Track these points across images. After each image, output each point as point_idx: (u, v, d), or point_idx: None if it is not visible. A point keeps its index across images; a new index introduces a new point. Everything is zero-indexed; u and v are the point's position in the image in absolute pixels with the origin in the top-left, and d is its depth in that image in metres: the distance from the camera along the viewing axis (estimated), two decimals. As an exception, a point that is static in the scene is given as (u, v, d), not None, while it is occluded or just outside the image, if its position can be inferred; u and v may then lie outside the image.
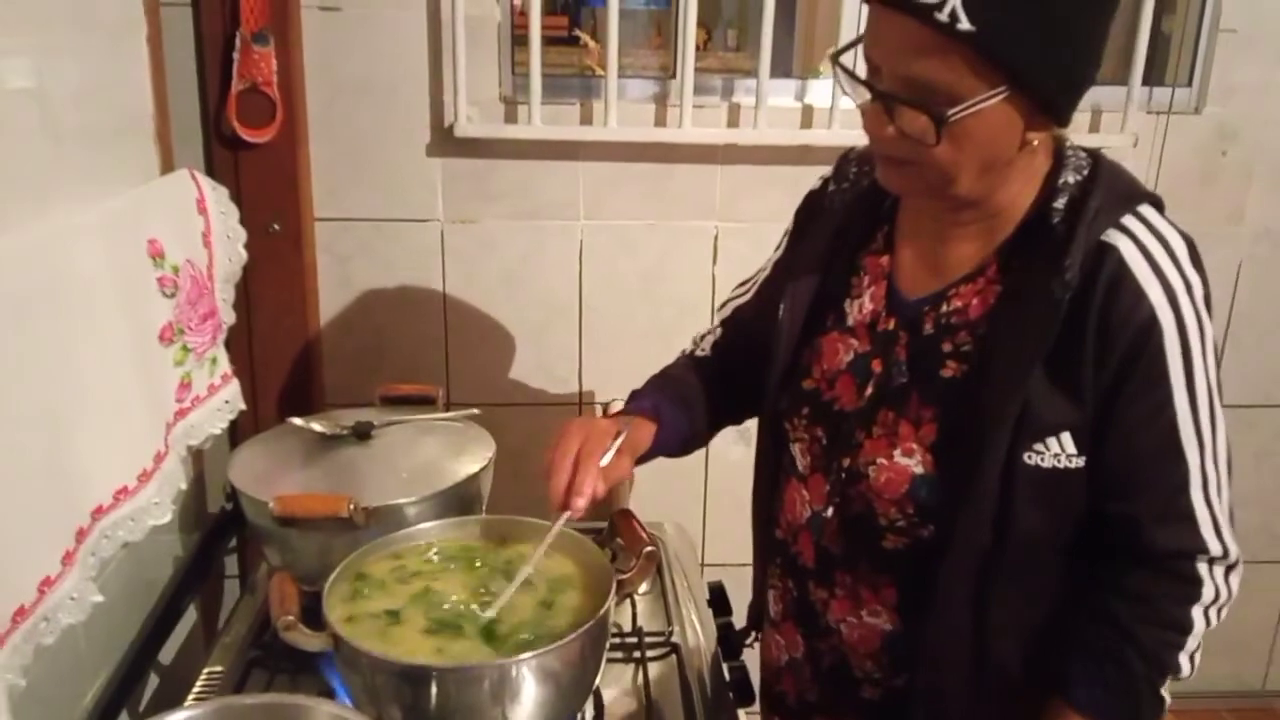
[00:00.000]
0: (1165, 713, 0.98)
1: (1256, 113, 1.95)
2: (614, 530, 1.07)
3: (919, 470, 0.96)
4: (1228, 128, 1.95)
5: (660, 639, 1.17)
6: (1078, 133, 1.89)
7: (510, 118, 1.81)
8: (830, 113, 1.85)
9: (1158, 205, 0.94)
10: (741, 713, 1.13)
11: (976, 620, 0.97)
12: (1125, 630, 0.94)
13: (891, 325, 1.01)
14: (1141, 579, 0.94)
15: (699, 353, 1.22)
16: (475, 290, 1.91)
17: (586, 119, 1.83)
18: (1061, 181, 0.93)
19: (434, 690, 0.87)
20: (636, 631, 1.18)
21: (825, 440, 1.04)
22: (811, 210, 1.14)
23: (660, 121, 1.85)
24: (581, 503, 0.96)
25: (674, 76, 1.83)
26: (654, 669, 1.13)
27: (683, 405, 1.15)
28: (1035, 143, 0.90)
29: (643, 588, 1.27)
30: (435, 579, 1.02)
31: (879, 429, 0.99)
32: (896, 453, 0.97)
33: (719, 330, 1.23)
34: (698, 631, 1.22)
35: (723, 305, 1.24)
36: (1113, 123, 1.89)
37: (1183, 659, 0.96)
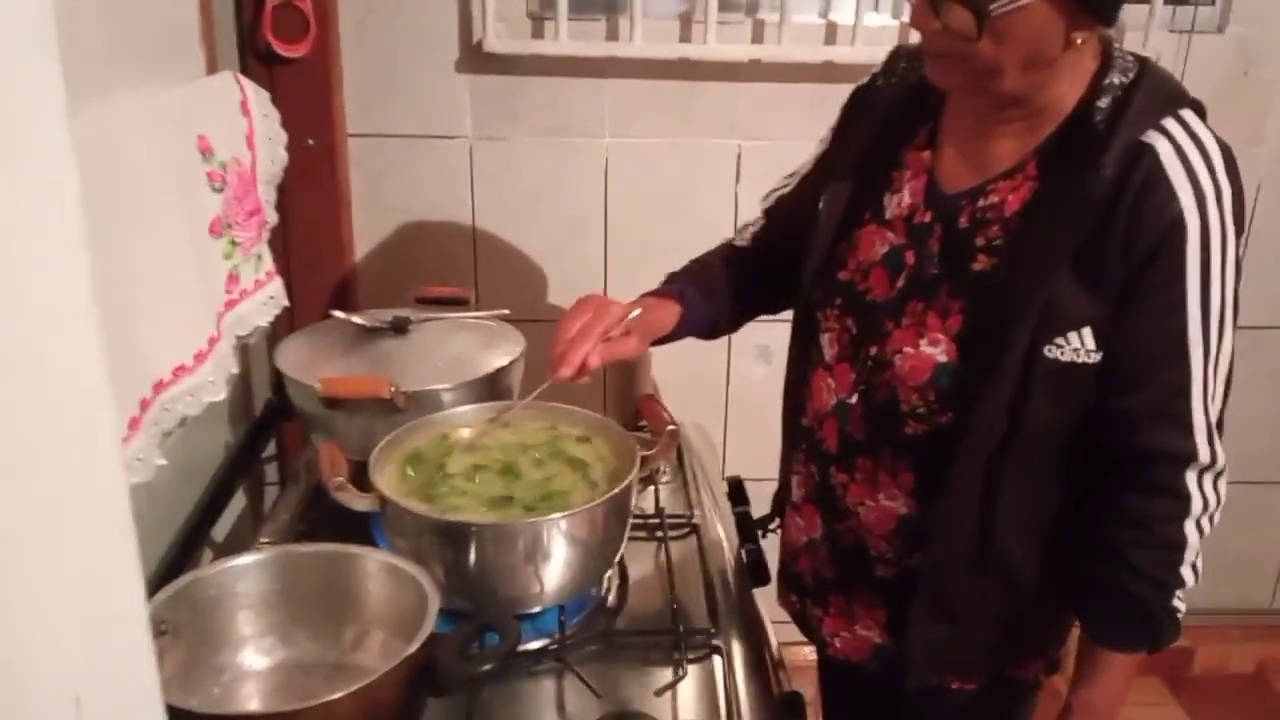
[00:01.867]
0: (1181, 622, 1.03)
1: (1276, 32, 1.95)
2: (639, 413, 1.14)
3: (943, 359, 1.00)
4: (1251, 48, 1.95)
5: (681, 520, 1.24)
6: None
7: (537, 33, 1.84)
8: (854, 29, 1.87)
9: (1200, 111, 0.96)
10: (757, 593, 1.20)
11: (985, 506, 1.03)
12: (1126, 561, 0.99)
13: (928, 218, 1.04)
14: (1135, 501, 0.99)
15: (739, 242, 1.26)
16: (503, 206, 1.95)
17: (612, 35, 1.86)
18: (1106, 82, 0.95)
19: (473, 546, 0.94)
20: (659, 513, 1.24)
21: (855, 330, 1.08)
22: (859, 105, 1.17)
23: (685, 38, 1.87)
24: (565, 371, 1.02)
25: (701, -7, 1.85)
26: (675, 548, 1.20)
27: (709, 294, 1.20)
28: (1080, 42, 0.92)
29: (666, 476, 1.34)
30: (473, 454, 1.09)
31: (907, 319, 1.03)
32: (923, 342, 1.01)
33: (761, 220, 1.26)
34: (717, 518, 1.28)
35: (767, 195, 1.28)
36: (1135, 42, 1.89)
37: (1185, 572, 1.01)
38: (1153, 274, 0.93)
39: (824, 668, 1.37)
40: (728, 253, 1.26)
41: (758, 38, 1.89)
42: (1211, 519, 1.02)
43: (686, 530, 1.23)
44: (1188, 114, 0.95)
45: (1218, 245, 0.93)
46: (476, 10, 1.81)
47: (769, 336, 1.74)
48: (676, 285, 1.19)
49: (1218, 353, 0.96)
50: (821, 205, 1.12)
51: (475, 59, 1.85)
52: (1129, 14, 1.88)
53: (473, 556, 0.95)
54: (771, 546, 1.29)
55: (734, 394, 2.11)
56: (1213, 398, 0.98)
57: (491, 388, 1.24)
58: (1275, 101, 1.99)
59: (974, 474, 1.01)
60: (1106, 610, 1.04)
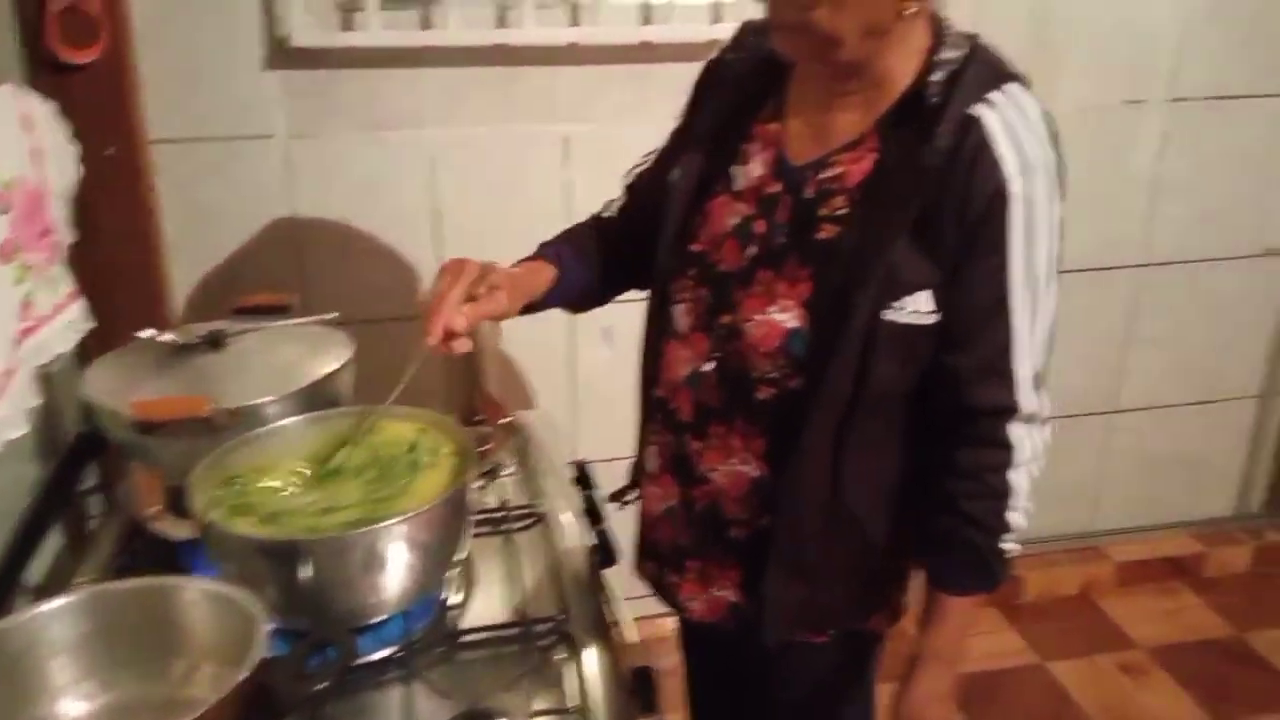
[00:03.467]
0: (1012, 563, 1.10)
1: (1061, -3, 2.07)
2: (475, 409, 1.13)
3: (793, 325, 1.03)
4: (1040, 9, 2.07)
5: (526, 511, 1.24)
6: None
7: (347, 25, 1.79)
8: (670, 8, 1.89)
9: (1025, 84, 1.01)
10: (616, 570, 1.21)
11: (834, 466, 1.07)
12: (962, 511, 1.06)
13: (776, 190, 1.07)
14: (965, 454, 1.05)
15: (605, 214, 1.28)
16: (326, 206, 1.90)
17: (426, 23, 1.82)
18: (939, 58, 1.00)
19: (301, 563, 0.92)
20: (503, 506, 1.24)
21: (709, 300, 1.11)
22: (709, 80, 1.20)
23: (502, 23, 1.86)
24: (430, 340, 1.00)
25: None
26: (521, 539, 1.20)
27: (583, 257, 1.22)
28: (909, 14, 0.97)
29: (509, 468, 1.34)
30: (299, 465, 1.06)
31: (758, 287, 1.06)
32: (773, 309, 1.05)
33: (624, 196, 1.28)
34: (563, 505, 1.29)
35: (628, 172, 1.30)
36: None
37: (1014, 517, 1.08)
38: (981, 239, 0.98)
39: (685, 634, 1.41)
40: (596, 223, 1.28)
41: (574, 20, 1.89)
42: (1038, 465, 1.08)
43: (532, 521, 1.23)
44: (1014, 87, 1.00)
45: (1044, 210, 0.98)
46: (281, 3, 1.74)
47: (612, 318, 1.76)
48: (551, 248, 1.21)
49: (1041, 311, 1.03)
50: (674, 178, 1.15)
51: (284, 55, 1.78)
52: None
53: (303, 573, 0.92)
54: (628, 520, 1.31)
55: (582, 377, 2.12)
56: (1035, 353, 1.04)
57: (320, 396, 1.20)
58: (1066, 61, 2.12)
59: (823, 435, 1.06)
60: (946, 558, 1.10)
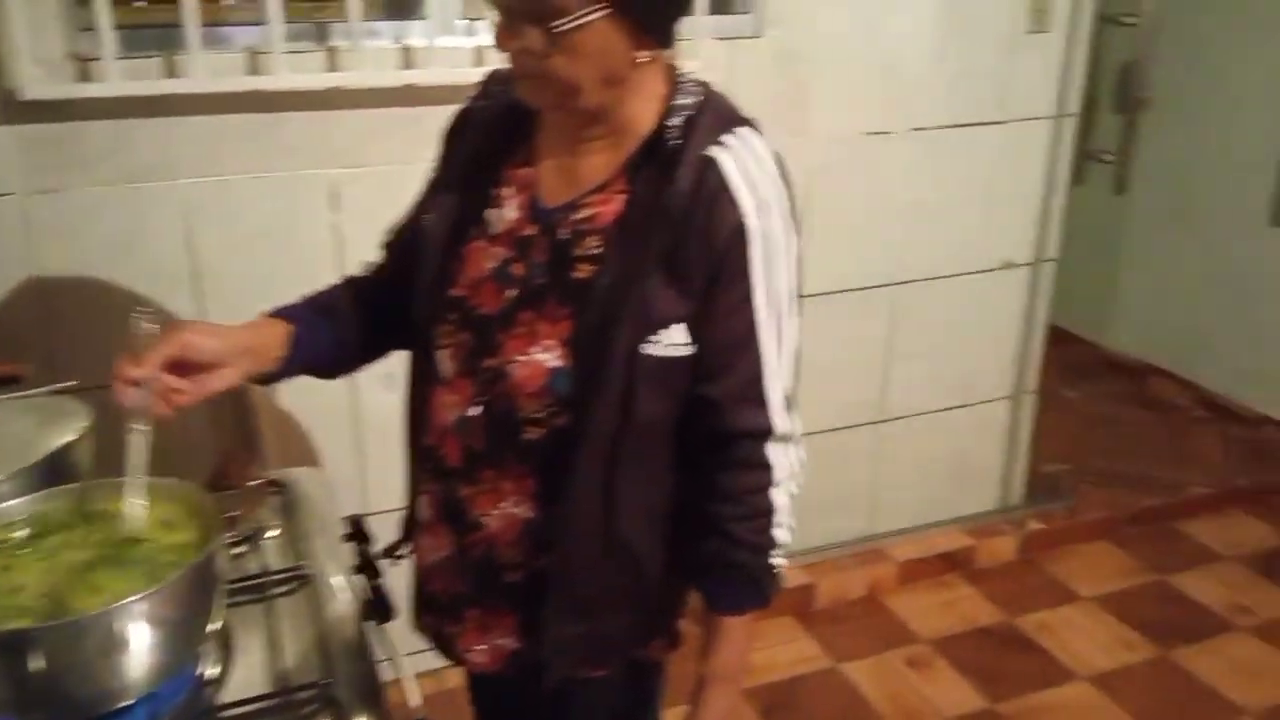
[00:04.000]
0: (781, 577, 1.15)
1: (808, 36, 2.21)
2: (224, 471, 1.09)
3: (555, 364, 1.06)
4: (786, 50, 2.21)
5: (290, 575, 1.20)
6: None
7: (85, 75, 1.70)
8: (430, 52, 1.90)
9: (755, 127, 1.09)
10: (397, 625, 1.20)
11: (605, 500, 1.10)
12: (729, 533, 1.10)
13: (532, 232, 1.10)
14: (728, 478, 1.10)
15: (360, 273, 1.26)
16: (71, 266, 1.79)
17: (171, 71, 1.76)
18: (676, 104, 1.06)
19: (28, 654, 0.86)
20: (264, 572, 1.20)
21: (471, 344, 1.12)
22: (458, 127, 1.21)
23: (254, 69, 1.81)
24: (123, 400, 0.98)
25: (265, 22, 1.79)
26: (285, 604, 1.16)
27: (329, 316, 1.19)
28: (644, 61, 1.02)
29: (273, 530, 1.30)
30: (20, 548, 0.99)
31: (520, 328, 1.08)
32: (535, 349, 1.07)
33: (381, 252, 1.27)
34: (332, 563, 1.26)
35: (386, 232, 1.28)
36: (688, 49, 2.08)
37: (779, 534, 1.13)
38: (726, 274, 1.04)
39: (470, 685, 1.40)
40: (351, 282, 1.26)
41: (333, 65, 1.87)
42: (795, 483, 1.14)
43: (296, 584, 1.20)
44: (745, 130, 1.07)
45: (780, 244, 1.05)
46: (6, 56, 1.64)
47: (393, 364, 1.74)
48: (285, 308, 1.17)
49: (787, 339, 1.09)
50: (427, 225, 1.16)
51: (14, 108, 1.67)
52: (684, 24, 2.06)
53: (32, 665, 0.86)
54: (404, 573, 1.29)
55: (368, 426, 2.08)
56: (784, 377, 1.10)
57: (54, 471, 1.13)
58: (812, 95, 2.26)
59: (593, 470, 1.08)
60: (718, 581, 1.14)
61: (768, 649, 2.43)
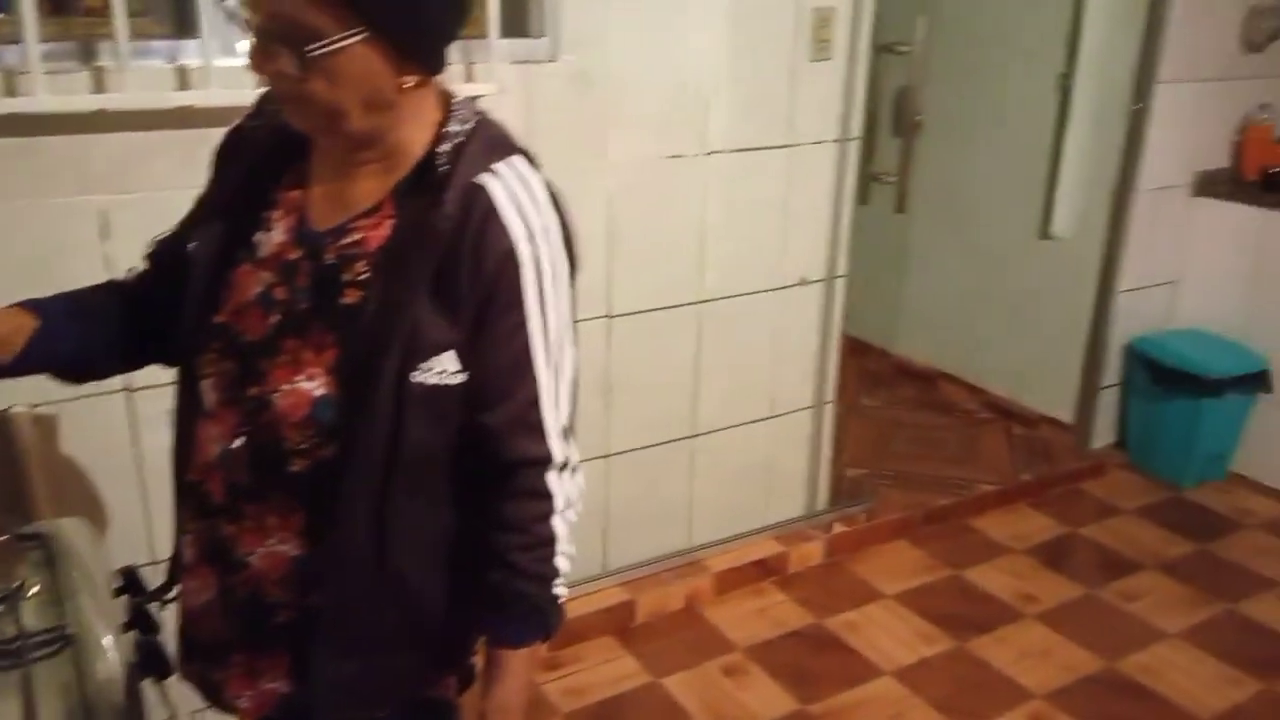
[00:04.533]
0: (564, 606, 1.15)
1: (605, 61, 2.24)
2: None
3: (320, 392, 1.02)
4: (583, 74, 2.23)
5: (50, 636, 1.11)
6: (453, 84, 2.04)
7: None
8: (206, 73, 1.81)
9: (528, 157, 1.08)
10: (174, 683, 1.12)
11: (378, 534, 1.06)
12: (511, 564, 1.09)
13: (298, 256, 1.06)
14: (508, 507, 1.09)
15: (123, 278, 1.20)
16: None
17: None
18: (447, 130, 1.05)
19: None
20: (20, 634, 1.10)
21: (235, 373, 1.07)
22: (230, 148, 1.17)
23: (10, 91, 1.68)
24: None
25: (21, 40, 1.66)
26: (44, 670, 1.07)
27: (84, 315, 1.12)
28: (410, 85, 1.00)
29: (33, 589, 1.19)
30: None
31: (284, 356, 1.04)
32: (300, 378, 1.03)
33: (145, 264, 1.21)
34: (100, 620, 1.16)
35: (151, 241, 1.22)
36: (484, 73, 2.07)
37: (560, 563, 1.13)
38: (497, 302, 1.03)
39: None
40: (110, 283, 1.20)
41: (100, 86, 1.75)
42: (575, 509, 1.14)
43: (58, 646, 1.10)
44: (517, 159, 1.06)
45: (550, 273, 1.05)
46: None
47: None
48: (37, 300, 1.10)
49: (562, 365, 1.09)
50: (194, 249, 1.11)
51: None
52: (478, 49, 2.05)
53: None
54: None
55: (150, 468, 1.95)
56: (562, 404, 1.10)
57: None
58: (611, 119, 2.29)
59: (362, 503, 1.05)
60: (502, 614, 1.13)
61: (587, 670, 2.43)
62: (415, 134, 1.05)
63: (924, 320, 4.07)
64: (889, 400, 3.96)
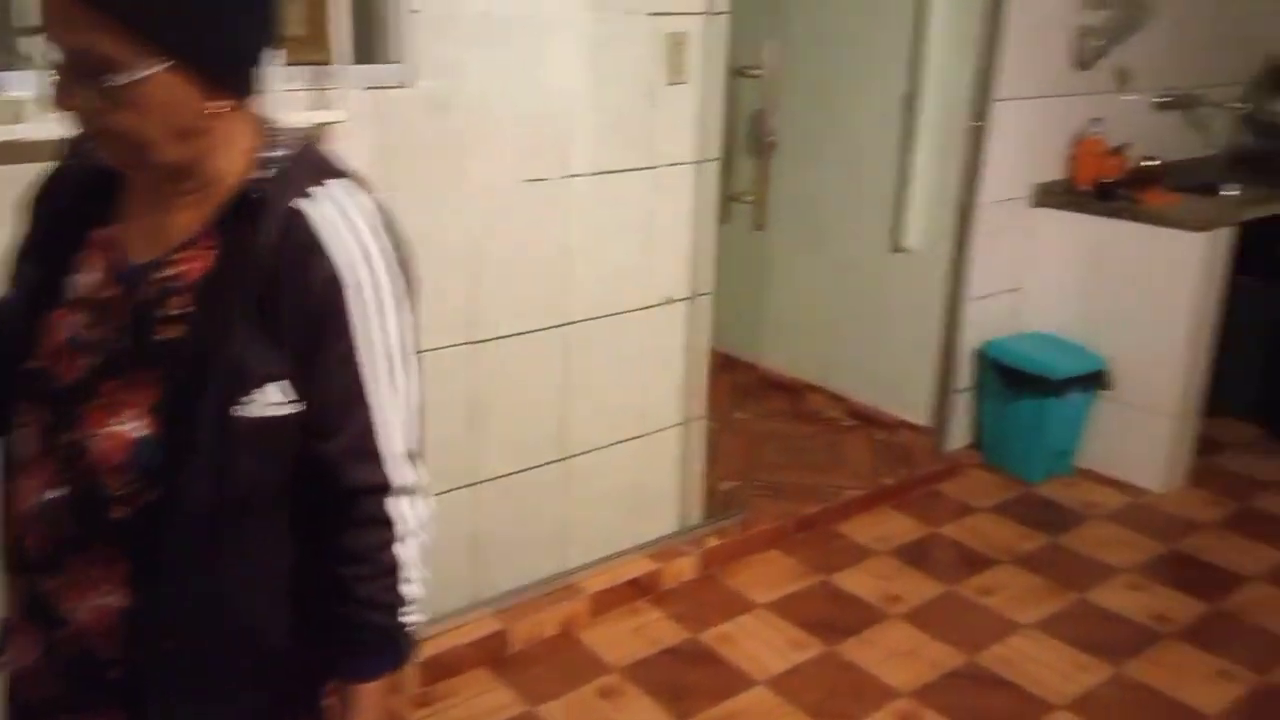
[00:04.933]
0: (414, 635, 1.13)
1: (461, 86, 2.23)
2: None
3: (140, 434, 0.99)
4: (439, 99, 2.21)
5: None
6: (300, 112, 1.99)
7: None
8: (31, 105, 1.72)
9: (352, 179, 1.06)
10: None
11: (211, 577, 1.03)
12: (358, 596, 1.07)
13: (113, 294, 1.02)
14: (351, 537, 1.07)
15: None
16: None
17: None
18: (267, 156, 1.03)
19: None
20: None
21: (49, 421, 1.02)
22: (46, 189, 1.12)
23: None
24: None
25: None
26: None
27: None
28: (221, 112, 0.97)
29: None
30: None
31: (101, 399, 1.00)
32: (118, 420, 0.99)
33: None
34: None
35: None
36: (335, 100, 2.02)
37: (409, 590, 1.11)
38: (326, 328, 1.01)
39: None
40: None
41: (-88, 119, 1.64)
42: (423, 533, 1.12)
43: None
44: (340, 183, 1.04)
45: (379, 297, 1.03)
46: None
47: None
48: None
49: (401, 389, 1.07)
50: (10, 295, 1.07)
51: None
52: (328, 75, 2.01)
53: None
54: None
55: None
56: (403, 429, 1.08)
57: None
58: (469, 144, 2.28)
59: (193, 546, 1.01)
60: (352, 647, 1.10)
61: (460, 704, 2.39)
62: (232, 162, 1.03)
63: (788, 333, 4.17)
64: (759, 412, 4.04)
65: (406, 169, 2.19)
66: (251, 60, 1.01)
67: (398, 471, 1.08)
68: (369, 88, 2.09)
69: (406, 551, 1.10)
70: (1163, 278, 3.37)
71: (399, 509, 1.09)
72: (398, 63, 2.15)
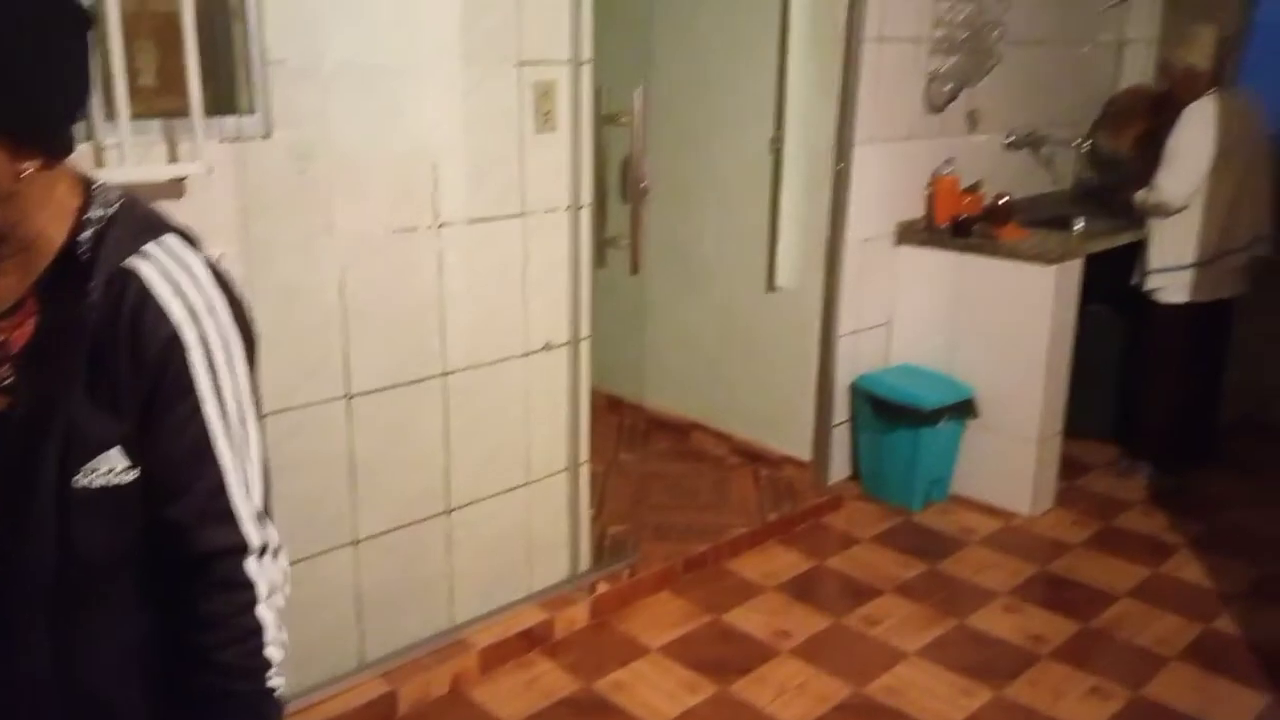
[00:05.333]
0: (281, 697, 1.08)
1: (323, 135, 2.19)
2: None
3: None
4: (301, 150, 2.16)
5: None
6: (154, 165, 1.93)
7: None
8: None
9: (183, 235, 1.03)
10: None
11: (58, 649, 0.99)
12: (218, 664, 1.02)
13: None
14: (207, 603, 1.02)
15: None
16: None
17: None
18: (87, 216, 0.99)
19: None
20: None
21: None
22: None
23: None
24: None
25: None
26: None
27: None
28: (31, 172, 0.93)
29: None
30: None
31: None
32: None
33: None
34: None
35: None
36: (191, 153, 1.96)
37: (271, 653, 1.06)
38: (165, 388, 0.98)
39: None
40: None
41: None
42: (282, 594, 1.09)
43: None
44: (170, 238, 1.02)
45: (221, 353, 1.01)
46: None
47: None
48: None
49: (247, 447, 1.05)
50: None
51: None
52: (180, 128, 1.94)
53: None
54: None
55: None
56: (253, 487, 1.05)
57: None
58: (334, 194, 2.23)
59: (35, 620, 0.97)
60: (216, 716, 1.05)
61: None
62: (51, 223, 0.99)
63: (672, 373, 4.21)
64: (646, 454, 4.05)
65: (272, 221, 2.13)
66: (61, 119, 0.97)
67: (252, 531, 1.05)
68: (227, 140, 2.04)
69: (266, 614, 1.06)
70: (1020, 309, 3.54)
71: (255, 570, 1.05)
72: (254, 113, 2.10)
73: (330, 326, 2.29)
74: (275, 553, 1.08)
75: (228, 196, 2.02)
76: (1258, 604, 3.11)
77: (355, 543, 2.46)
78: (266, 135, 2.10)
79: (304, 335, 2.25)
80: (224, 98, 2.06)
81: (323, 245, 2.23)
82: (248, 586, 1.04)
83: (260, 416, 1.08)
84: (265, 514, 1.07)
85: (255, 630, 1.05)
